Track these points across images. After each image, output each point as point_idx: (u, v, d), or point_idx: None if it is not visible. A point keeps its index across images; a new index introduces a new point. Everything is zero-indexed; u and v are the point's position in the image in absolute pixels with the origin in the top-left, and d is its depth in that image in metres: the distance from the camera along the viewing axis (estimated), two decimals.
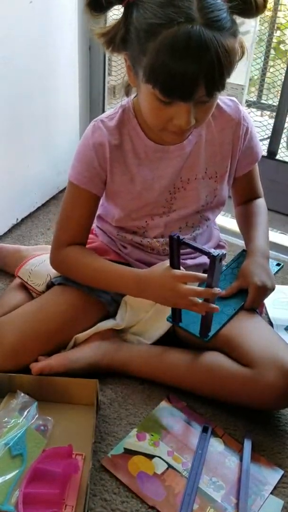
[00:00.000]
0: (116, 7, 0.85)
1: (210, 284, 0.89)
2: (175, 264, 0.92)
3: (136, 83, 0.87)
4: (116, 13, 0.87)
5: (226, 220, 1.63)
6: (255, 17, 0.84)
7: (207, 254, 0.86)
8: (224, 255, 0.88)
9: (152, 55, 0.77)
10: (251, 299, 1.02)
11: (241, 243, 1.53)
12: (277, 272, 1.14)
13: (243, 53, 0.86)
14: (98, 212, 1.13)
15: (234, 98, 1.04)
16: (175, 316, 1.00)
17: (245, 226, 1.15)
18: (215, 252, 0.85)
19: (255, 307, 1.04)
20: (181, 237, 0.88)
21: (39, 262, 1.16)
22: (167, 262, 0.93)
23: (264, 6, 0.82)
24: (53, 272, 1.11)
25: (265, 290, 1.03)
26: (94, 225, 1.16)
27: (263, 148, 1.64)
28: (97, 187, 1.02)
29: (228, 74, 0.80)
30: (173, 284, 0.91)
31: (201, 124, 0.90)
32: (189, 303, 0.91)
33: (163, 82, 0.78)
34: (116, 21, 0.86)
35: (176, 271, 0.92)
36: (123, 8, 0.83)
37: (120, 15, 0.84)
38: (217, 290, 0.89)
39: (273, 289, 1.04)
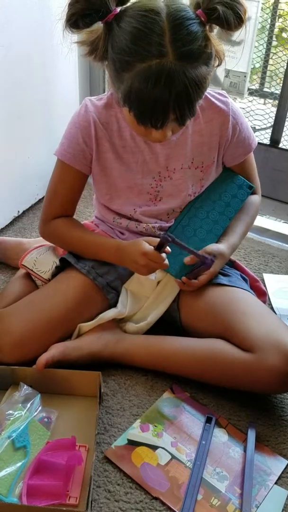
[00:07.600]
0: None
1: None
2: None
3: (116, 97, 0.89)
4: None
5: None
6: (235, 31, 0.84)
7: (202, 260, 1.01)
8: (214, 259, 1.02)
9: (127, 85, 0.82)
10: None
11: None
12: None
13: (220, 60, 0.87)
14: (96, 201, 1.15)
15: (223, 92, 1.05)
16: None
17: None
18: (208, 257, 1.00)
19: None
20: (175, 239, 0.94)
21: (44, 251, 1.17)
22: (145, 238, 0.99)
23: (240, 22, 0.81)
24: (58, 260, 1.13)
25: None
26: (92, 216, 1.17)
27: (266, 137, 1.63)
28: (80, 164, 1.04)
29: (198, 100, 0.84)
30: (142, 248, 0.96)
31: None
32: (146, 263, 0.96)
33: (137, 112, 0.83)
34: (96, 30, 0.85)
35: (149, 249, 0.96)
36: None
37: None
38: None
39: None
